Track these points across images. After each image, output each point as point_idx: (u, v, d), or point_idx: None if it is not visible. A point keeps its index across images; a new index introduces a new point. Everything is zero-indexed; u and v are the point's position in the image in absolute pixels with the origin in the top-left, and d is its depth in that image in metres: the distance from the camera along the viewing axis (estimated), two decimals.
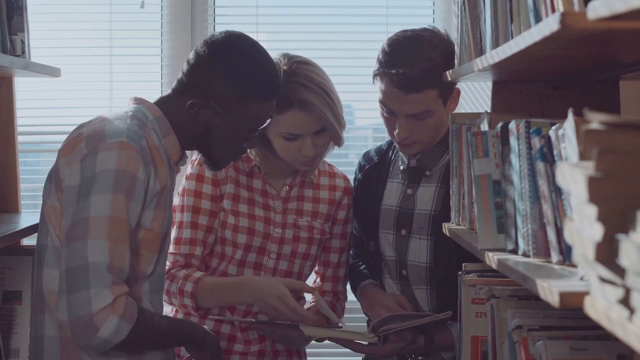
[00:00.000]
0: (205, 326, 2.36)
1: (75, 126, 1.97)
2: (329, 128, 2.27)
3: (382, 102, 2.27)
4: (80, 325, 1.77)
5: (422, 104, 2.22)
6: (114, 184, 1.82)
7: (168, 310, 2.33)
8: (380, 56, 2.27)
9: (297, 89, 2.22)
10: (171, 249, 2.32)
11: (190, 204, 2.33)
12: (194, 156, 2.37)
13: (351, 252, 2.52)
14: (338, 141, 2.33)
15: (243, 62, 1.99)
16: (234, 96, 1.96)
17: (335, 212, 2.45)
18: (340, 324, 2.31)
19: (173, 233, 2.33)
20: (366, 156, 2.52)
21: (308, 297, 2.51)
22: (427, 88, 2.21)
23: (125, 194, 1.83)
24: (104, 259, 1.79)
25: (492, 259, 1.60)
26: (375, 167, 2.46)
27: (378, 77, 2.27)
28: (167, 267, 2.30)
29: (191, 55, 2.01)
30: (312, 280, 2.51)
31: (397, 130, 2.26)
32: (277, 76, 2.04)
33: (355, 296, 2.48)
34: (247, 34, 2.07)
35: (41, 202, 1.96)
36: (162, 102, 2.01)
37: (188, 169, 2.39)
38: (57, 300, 1.81)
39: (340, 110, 2.30)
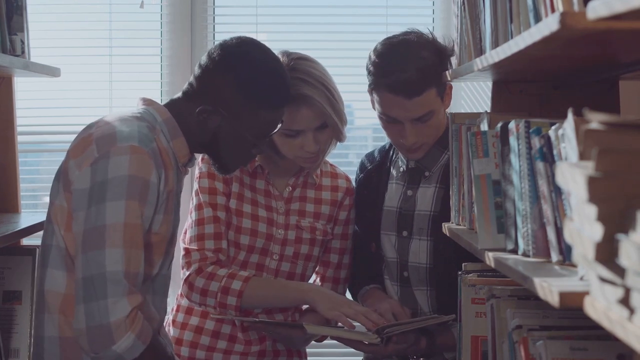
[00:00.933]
0: (205, 327, 2.37)
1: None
2: (330, 123, 2.27)
3: (383, 113, 2.26)
4: (97, 335, 1.78)
5: (425, 105, 2.22)
6: (127, 190, 1.81)
7: (168, 310, 2.32)
8: (372, 68, 2.25)
9: (297, 84, 2.21)
10: (193, 245, 2.30)
11: (207, 201, 2.32)
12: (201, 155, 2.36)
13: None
14: (339, 136, 2.32)
15: (254, 70, 1.99)
16: (244, 104, 1.96)
17: (337, 212, 2.45)
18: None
19: (192, 231, 2.32)
20: (369, 157, 2.51)
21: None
22: (427, 89, 2.20)
23: (139, 199, 1.83)
24: (120, 267, 1.79)
25: (490, 258, 1.60)
26: (376, 167, 2.46)
27: (374, 90, 2.25)
28: (196, 265, 2.27)
29: (202, 60, 2.00)
30: (311, 281, 2.50)
31: (404, 138, 2.25)
32: (288, 84, 2.05)
33: (355, 299, 2.47)
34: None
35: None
36: (171, 105, 2.01)
37: (196, 170, 2.38)
38: (74, 309, 1.82)
39: (341, 105, 2.29)
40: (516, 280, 1.44)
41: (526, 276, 1.35)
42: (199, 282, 2.27)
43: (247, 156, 2.06)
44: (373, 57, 2.27)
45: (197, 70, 2.01)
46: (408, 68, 2.19)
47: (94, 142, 1.87)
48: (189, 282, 2.28)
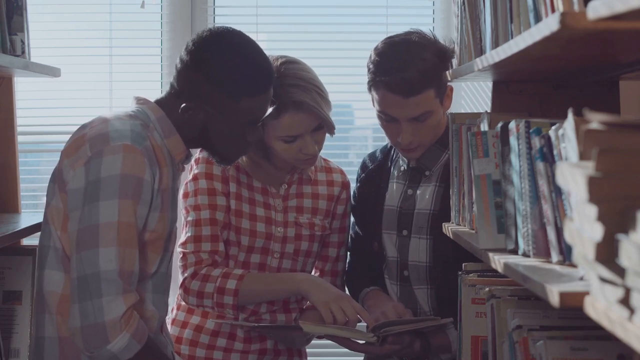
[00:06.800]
0: (205, 325, 2.37)
1: (76, 126, 1.97)
2: (325, 122, 2.27)
3: (381, 111, 2.26)
4: (91, 334, 1.78)
5: (422, 105, 2.22)
6: (120, 189, 1.81)
7: (168, 310, 2.32)
8: (372, 66, 2.25)
9: (290, 91, 2.21)
10: (189, 248, 2.30)
11: (205, 203, 2.32)
12: (197, 154, 2.36)
13: (351, 252, 2.52)
14: (332, 131, 2.33)
15: (227, 60, 1.96)
16: (223, 96, 1.95)
17: (334, 207, 2.46)
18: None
19: (189, 231, 2.31)
20: (372, 157, 2.51)
21: None
22: (425, 89, 2.21)
23: (132, 198, 1.83)
24: (114, 267, 1.79)
25: (498, 262, 1.59)
26: (377, 167, 2.46)
27: (373, 87, 2.25)
28: (191, 268, 2.27)
29: (178, 60, 2.00)
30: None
31: (400, 137, 2.26)
32: (265, 67, 2.01)
33: (356, 300, 2.47)
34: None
35: (41, 202, 1.97)
36: (161, 103, 2.00)
37: (194, 169, 2.37)
38: (70, 308, 1.82)
39: (328, 99, 2.30)
40: (516, 280, 1.44)
41: (526, 276, 1.35)
42: (194, 285, 2.27)
43: (244, 144, 2.03)
44: (374, 55, 2.27)
45: (174, 71, 1.99)
46: (408, 68, 2.19)
47: (87, 142, 1.87)
48: (184, 287, 2.29)
